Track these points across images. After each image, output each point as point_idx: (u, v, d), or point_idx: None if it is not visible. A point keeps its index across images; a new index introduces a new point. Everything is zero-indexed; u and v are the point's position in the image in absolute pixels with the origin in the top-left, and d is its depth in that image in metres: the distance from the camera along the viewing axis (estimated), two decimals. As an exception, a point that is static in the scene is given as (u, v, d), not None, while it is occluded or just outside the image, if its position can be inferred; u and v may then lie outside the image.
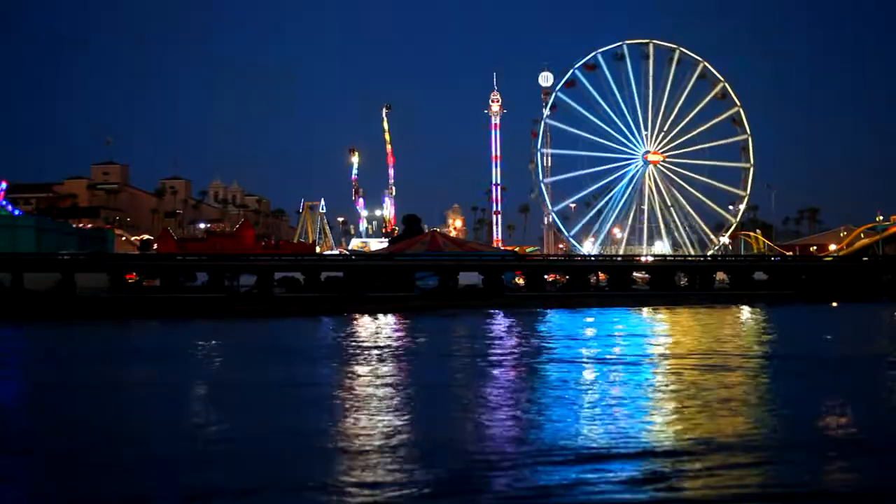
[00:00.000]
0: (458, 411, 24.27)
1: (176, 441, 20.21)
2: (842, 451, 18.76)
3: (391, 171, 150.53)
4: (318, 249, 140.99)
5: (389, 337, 49.99)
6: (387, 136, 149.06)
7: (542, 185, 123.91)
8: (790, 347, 43.04)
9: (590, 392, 27.52)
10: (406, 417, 22.90)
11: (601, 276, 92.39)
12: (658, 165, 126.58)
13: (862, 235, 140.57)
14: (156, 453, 18.87)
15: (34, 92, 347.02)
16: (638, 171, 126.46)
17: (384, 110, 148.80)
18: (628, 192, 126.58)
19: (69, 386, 30.42)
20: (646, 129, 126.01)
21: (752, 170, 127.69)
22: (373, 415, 23.08)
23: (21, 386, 32.49)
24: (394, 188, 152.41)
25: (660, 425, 21.39)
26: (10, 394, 29.94)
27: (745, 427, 21.26)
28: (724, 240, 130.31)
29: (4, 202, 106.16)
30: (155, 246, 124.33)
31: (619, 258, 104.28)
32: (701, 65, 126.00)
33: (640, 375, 31.11)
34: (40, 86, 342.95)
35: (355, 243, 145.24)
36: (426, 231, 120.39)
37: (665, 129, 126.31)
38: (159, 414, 24.54)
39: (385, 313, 68.33)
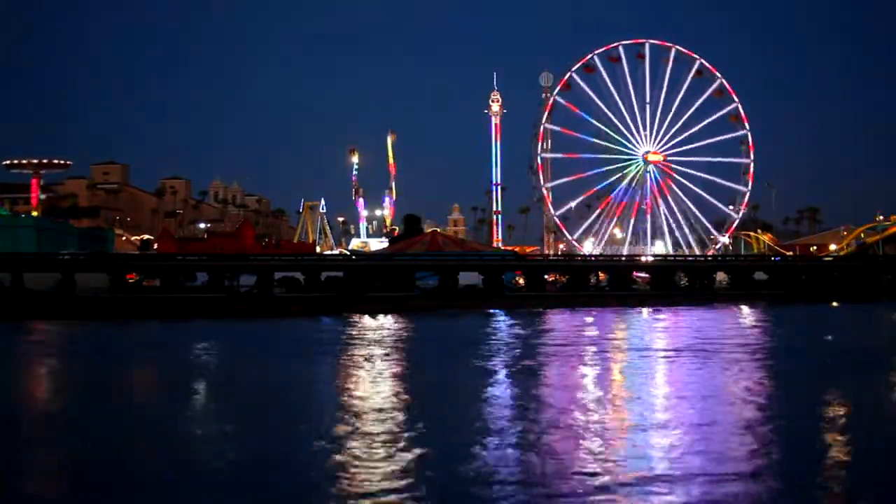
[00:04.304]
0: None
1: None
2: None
3: (392, 181, 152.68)
4: (318, 249, 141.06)
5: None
6: (390, 156, 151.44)
7: (544, 190, 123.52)
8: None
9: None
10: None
11: (601, 275, 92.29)
12: (658, 165, 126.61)
13: (862, 235, 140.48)
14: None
15: (33, 92, 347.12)
16: (638, 170, 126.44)
17: (389, 136, 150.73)
18: (628, 192, 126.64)
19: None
20: (645, 130, 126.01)
21: (752, 165, 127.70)
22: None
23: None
24: (394, 188, 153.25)
25: None
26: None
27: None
28: (725, 239, 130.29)
29: None
30: (155, 246, 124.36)
31: (620, 258, 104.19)
32: (697, 62, 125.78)
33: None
34: (40, 85, 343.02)
35: (355, 243, 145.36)
36: (426, 231, 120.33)
37: (664, 128, 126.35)
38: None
39: (385, 313, 68.28)
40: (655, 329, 56.61)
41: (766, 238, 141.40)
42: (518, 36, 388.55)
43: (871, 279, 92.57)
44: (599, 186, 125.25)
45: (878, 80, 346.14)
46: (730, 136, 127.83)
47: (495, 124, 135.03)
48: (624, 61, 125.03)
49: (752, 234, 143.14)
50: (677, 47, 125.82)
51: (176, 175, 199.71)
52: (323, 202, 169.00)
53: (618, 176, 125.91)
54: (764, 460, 17.88)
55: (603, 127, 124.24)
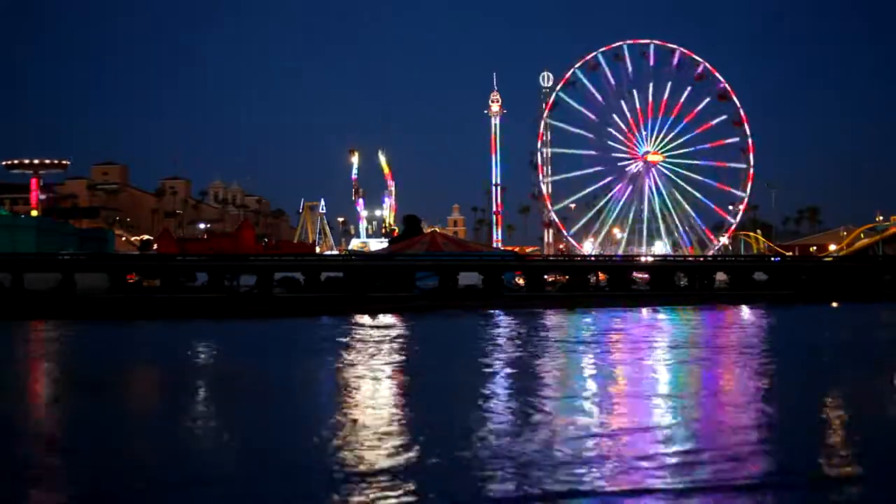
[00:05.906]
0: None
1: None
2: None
3: (390, 184, 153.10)
4: (317, 250, 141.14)
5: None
6: (385, 170, 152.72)
7: (542, 185, 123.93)
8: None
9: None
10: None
11: (601, 276, 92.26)
12: (658, 165, 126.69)
13: (862, 235, 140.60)
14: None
15: (33, 92, 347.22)
16: (638, 171, 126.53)
17: (380, 154, 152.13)
18: (628, 192, 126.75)
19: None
20: (646, 130, 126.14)
21: (750, 171, 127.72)
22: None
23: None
24: (394, 193, 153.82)
25: None
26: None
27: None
28: (724, 240, 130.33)
29: None
30: (155, 246, 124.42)
31: (619, 258, 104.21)
32: (701, 65, 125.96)
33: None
34: (40, 85, 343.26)
35: (355, 243, 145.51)
36: (426, 231, 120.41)
37: (665, 129, 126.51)
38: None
39: (385, 313, 68.28)
40: (661, 330, 56.54)
41: (763, 240, 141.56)
42: (518, 36, 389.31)
43: (872, 279, 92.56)
44: (599, 184, 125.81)
45: (878, 81, 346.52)
46: (730, 140, 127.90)
47: (495, 124, 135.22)
48: (628, 61, 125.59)
49: (751, 234, 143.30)
50: (682, 49, 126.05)
51: (176, 175, 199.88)
52: (323, 202, 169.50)
53: (618, 176, 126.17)
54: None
55: (604, 124, 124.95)
